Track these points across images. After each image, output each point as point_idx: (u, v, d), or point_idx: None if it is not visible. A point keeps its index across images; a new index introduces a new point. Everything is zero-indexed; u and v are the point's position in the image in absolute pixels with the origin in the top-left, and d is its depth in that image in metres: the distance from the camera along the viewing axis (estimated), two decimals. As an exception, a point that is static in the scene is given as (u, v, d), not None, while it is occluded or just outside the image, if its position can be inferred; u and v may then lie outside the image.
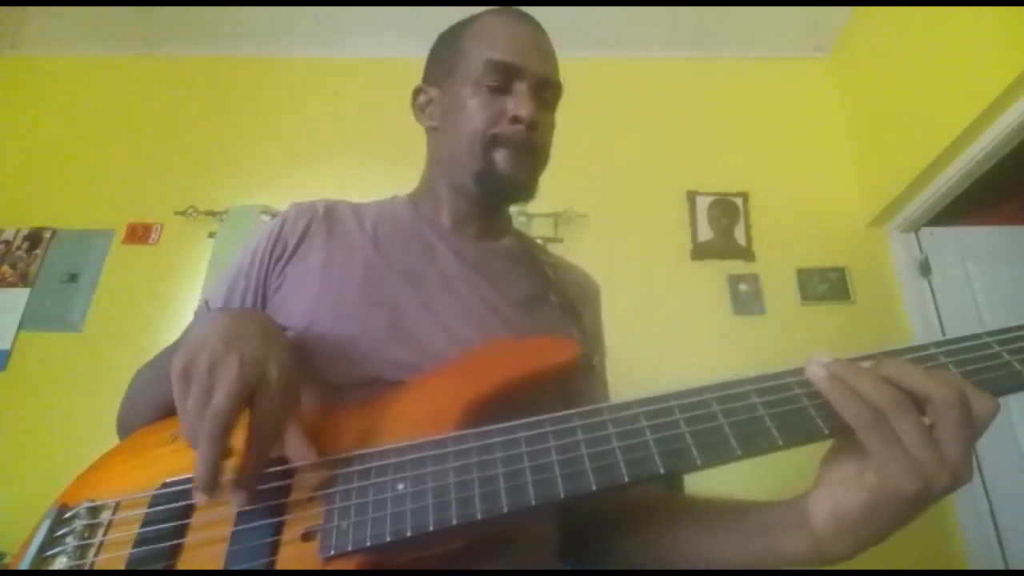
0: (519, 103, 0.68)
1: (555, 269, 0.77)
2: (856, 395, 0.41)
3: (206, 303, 0.69)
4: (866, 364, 0.43)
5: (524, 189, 0.71)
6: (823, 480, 0.46)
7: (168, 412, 0.57)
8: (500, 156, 0.68)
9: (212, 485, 0.41)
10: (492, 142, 0.68)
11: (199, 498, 0.42)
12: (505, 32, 0.72)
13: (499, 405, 0.51)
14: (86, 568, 0.45)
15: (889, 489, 0.40)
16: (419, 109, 0.78)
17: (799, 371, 0.45)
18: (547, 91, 0.71)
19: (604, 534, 0.63)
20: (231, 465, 0.44)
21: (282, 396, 0.46)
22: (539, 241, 0.96)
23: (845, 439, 0.43)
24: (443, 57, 0.76)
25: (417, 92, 0.78)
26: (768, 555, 0.49)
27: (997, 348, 0.44)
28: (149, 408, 0.60)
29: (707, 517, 0.55)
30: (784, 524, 0.47)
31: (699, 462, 0.43)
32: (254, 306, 0.66)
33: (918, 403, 0.40)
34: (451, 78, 0.73)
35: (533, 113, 0.67)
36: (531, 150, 0.69)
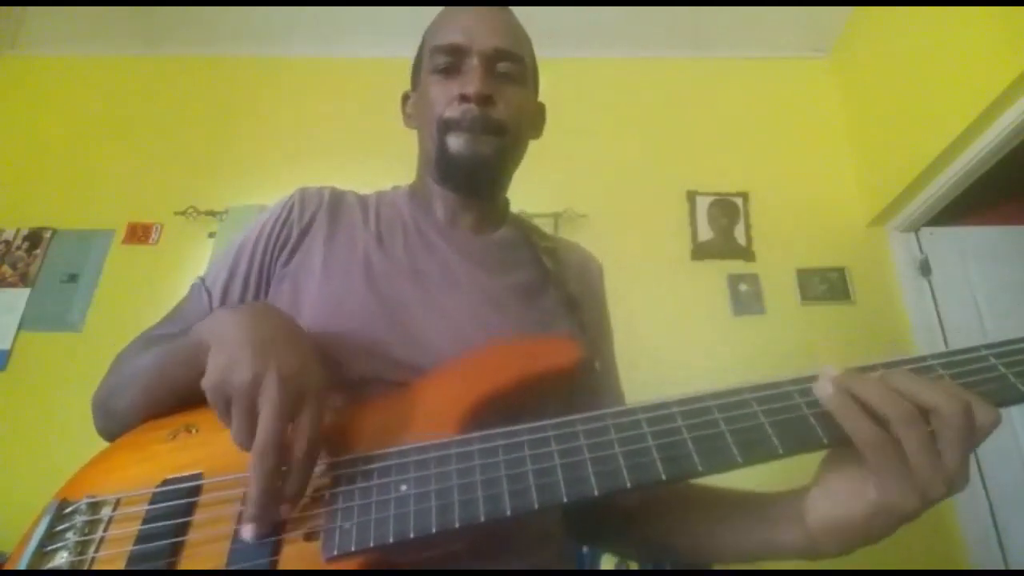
0: (465, 81, 0.66)
1: (554, 255, 0.76)
2: (862, 412, 0.41)
3: (202, 281, 0.69)
4: (874, 375, 0.43)
5: (486, 168, 0.68)
6: (823, 482, 0.47)
7: (169, 399, 0.56)
8: (452, 140, 0.66)
9: (263, 520, 0.42)
10: (445, 127, 0.67)
11: (247, 532, 0.42)
12: (449, 16, 0.72)
13: (500, 408, 0.51)
14: (86, 564, 0.45)
15: (889, 505, 0.41)
16: (407, 115, 0.79)
17: (800, 380, 0.46)
18: (502, 63, 0.68)
19: (627, 521, 0.64)
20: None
21: (320, 409, 0.45)
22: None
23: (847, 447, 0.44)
24: (416, 59, 0.78)
25: (405, 98, 0.80)
26: (766, 546, 0.51)
27: (994, 361, 0.46)
28: (149, 395, 0.57)
29: (720, 507, 0.57)
30: (783, 517, 0.49)
31: (700, 468, 0.44)
32: (256, 289, 0.66)
33: (923, 414, 0.40)
34: (419, 77, 0.75)
35: (480, 88, 0.65)
36: (488, 126, 0.66)
